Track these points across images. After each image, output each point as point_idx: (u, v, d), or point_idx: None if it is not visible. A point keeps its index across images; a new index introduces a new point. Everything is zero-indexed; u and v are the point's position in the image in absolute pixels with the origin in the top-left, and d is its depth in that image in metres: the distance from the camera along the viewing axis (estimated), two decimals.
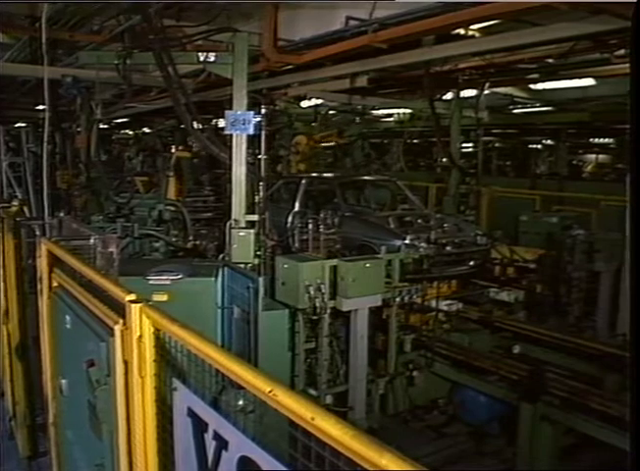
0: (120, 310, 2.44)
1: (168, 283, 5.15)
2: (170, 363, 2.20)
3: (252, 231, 6.72)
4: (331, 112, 14.75)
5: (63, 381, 3.29)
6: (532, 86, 11.82)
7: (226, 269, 5.83)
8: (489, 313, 7.90)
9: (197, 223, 9.95)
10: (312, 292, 5.77)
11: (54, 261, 3.52)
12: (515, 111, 14.83)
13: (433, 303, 7.38)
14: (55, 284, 3.52)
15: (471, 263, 8.52)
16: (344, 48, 6.82)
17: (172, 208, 9.25)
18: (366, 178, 11.47)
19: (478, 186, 12.34)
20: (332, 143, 15.26)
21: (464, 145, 13.63)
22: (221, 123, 12.53)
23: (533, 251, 8.98)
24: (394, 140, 19.42)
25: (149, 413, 2.29)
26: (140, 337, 2.27)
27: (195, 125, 6.86)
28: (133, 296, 2.35)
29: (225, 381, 1.97)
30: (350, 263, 5.98)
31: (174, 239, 8.74)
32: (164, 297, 4.97)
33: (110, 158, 16.13)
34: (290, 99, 12.67)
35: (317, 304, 5.80)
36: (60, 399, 3.52)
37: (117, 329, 2.43)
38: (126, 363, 2.40)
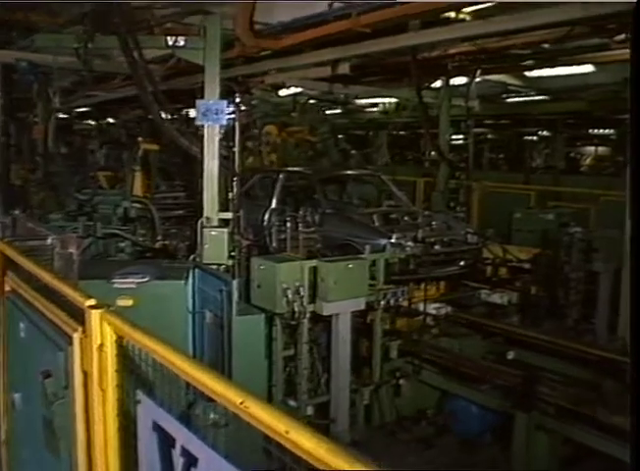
0: (79, 317, 2.42)
1: (134, 286, 5.17)
2: (134, 374, 2.19)
3: (226, 229, 6.71)
4: (311, 101, 14.73)
5: (16, 395, 3.25)
6: (527, 74, 11.87)
7: (197, 271, 5.90)
8: (480, 317, 7.97)
9: (167, 221, 9.88)
10: (290, 296, 5.74)
11: (7, 263, 3.47)
12: (509, 100, 14.91)
13: (420, 306, 7.39)
14: (8, 288, 3.48)
15: (461, 263, 8.56)
16: (325, 32, 6.81)
17: (138, 205, 9.17)
18: (348, 172, 11.52)
19: (469, 181, 12.40)
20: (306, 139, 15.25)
21: (454, 137, 13.68)
22: (192, 113, 12.48)
23: (527, 250, 9.03)
24: (378, 132, 19.50)
25: (111, 428, 2.27)
26: (101, 345, 2.25)
27: (164, 115, 6.83)
28: (93, 301, 2.32)
29: (195, 393, 1.96)
30: (332, 264, 5.98)
31: (141, 239, 8.66)
32: (129, 302, 5.00)
33: (71, 151, 15.93)
34: (267, 88, 12.64)
35: (296, 308, 5.77)
36: (12, 415, 3.48)
37: (76, 337, 2.42)
38: (85, 374, 2.38)
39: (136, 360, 2.15)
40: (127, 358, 2.20)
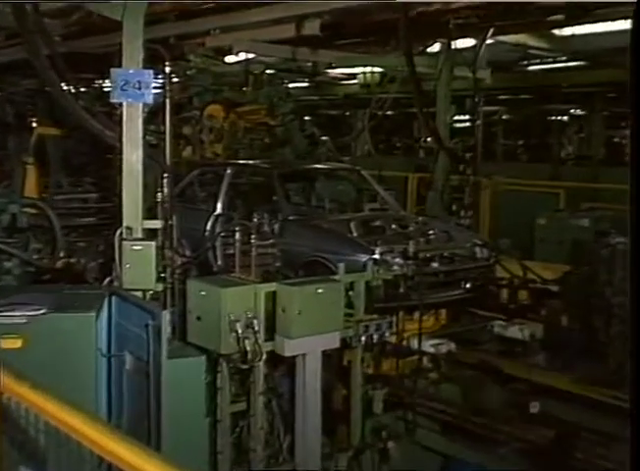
0: None
1: (23, 321, 5.10)
2: (16, 442, 2.12)
3: (154, 243, 6.66)
4: (268, 72, 14.75)
5: None
6: (555, 32, 12.00)
7: (114, 299, 5.80)
8: (494, 356, 8.01)
9: (72, 232, 9.82)
10: (240, 331, 5.72)
11: None
12: (531, 68, 15.11)
13: (414, 343, 7.40)
14: None
15: (467, 285, 8.56)
16: None
17: (32, 210, 9.08)
18: (318, 166, 11.52)
19: (477, 177, 12.49)
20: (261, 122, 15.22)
21: (457, 118, 13.79)
22: (107, 86, 12.38)
23: (555, 268, 9.11)
24: (357, 112, 19.51)
25: None
26: None
27: (66, 88, 6.76)
28: None
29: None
30: (295, 288, 5.98)
31: (35, 256, 8.51)
32: (17, 343, 4.92)
33: None
34: (208, 53, 12.63)
35: (248, 348, 5.76)
36: None
37: None
38: None
39: (22, 424, 2.10)
40: (8, 421, 2.14)
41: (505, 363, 7.89)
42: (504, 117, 21.82)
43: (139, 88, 6.67)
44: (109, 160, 9.89)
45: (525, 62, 14.53)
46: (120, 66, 6.74)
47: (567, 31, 11.50)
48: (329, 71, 15.52)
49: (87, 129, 7.13)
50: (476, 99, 13.33)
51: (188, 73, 12.86)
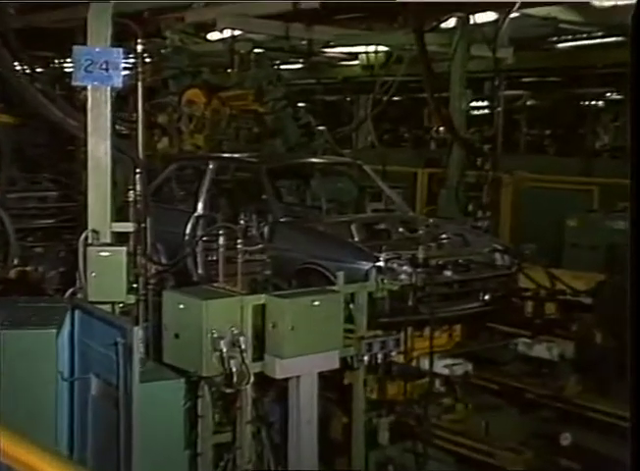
0: None
1: None
2: None
3: (124, 249, 6.65)
4: (257, 51, 14.77)
5: None
6: (592, 2, 11.91)
7: (78, 314, 5.76)
8: (518, 379, 8.01)
9: (29, 235, 9.85)
10: (225, 349, 5.70)
11: None
12: (561, 46, 15.12)
13: (424, 363, 7.41)
14: None
15: (486, 297, 8.55)
16: None
17: None
18: (314, 160, 11.54)
19: (497, 172, 12.48)
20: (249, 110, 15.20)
21: (474, 105, 13.79)
22: (68, 66, 12.39)
23: (587, 277, 9.13)
24: (359, 98, 19.52)
25: None
26: None
27: (20, 68, 6.75)
28: None
29: None
30: (288, 300, 5.98)
31: None
32: None
33: None
34: (188, 29, 12.64)
35: (233, 369, 5.72)
36: None
37: None
38: None
39: None
40: None
41: (530, 387, 7.92)
42: (528, 103, 21.80)
43: (107, 69, 6.62)
44: (71, 153, 9.89)
45: (555, 38, 14.55)
46: (84, 43, 6.72)
47: (606, 2, 11.45)
48: (326, 50, 15.54)
49: (45, 116, 7.12)
50: (496, 82, 13.35)
51: (164, 52, 12.87)
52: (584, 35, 14.09)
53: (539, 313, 9.01)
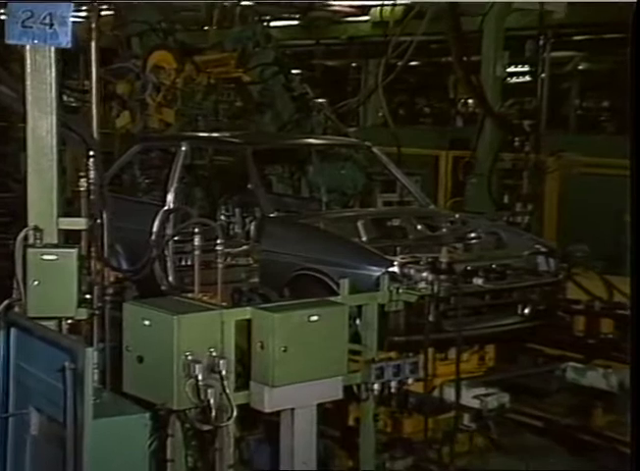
0: None
1: None
2: None
3: (75, 251, 6.64)
4: (243, 3, 14.82)
5: None
6: None
7: (14, 332, 5.81)
8: (568, 414, 8.01)
9: None
10: (201, 377, 5.72)
11: None
12: None
13: (449, 394, 7.51)
14: None
15: (526, 311, 8.64)
16: None
17: None
18: (311, 141, 11.56)
19: (540, 155, 12.53)
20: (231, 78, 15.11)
21: (512, 70, 13.82)
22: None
23: None
24: (368, 63, 19.58)
25: None
26: None
27: None
28: None
29: None
30: (279, 314, 5.96)
31: None
32: None
33: None
34: None
35: (212, 401, 5.75)
36: None
37: None
38: None
39: None
40: None
41: (583, 423, 7.94)
42: (581, 67, 21.78)
43: (51, 25, 6.54)
44: (5, 130, 9.97)
45: None
46: None
47: None
48: (328, 2, 15.61)
49: None
50: (541, 42, 13.37)
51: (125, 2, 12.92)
52: None
53: (593, 331, 8.99)
